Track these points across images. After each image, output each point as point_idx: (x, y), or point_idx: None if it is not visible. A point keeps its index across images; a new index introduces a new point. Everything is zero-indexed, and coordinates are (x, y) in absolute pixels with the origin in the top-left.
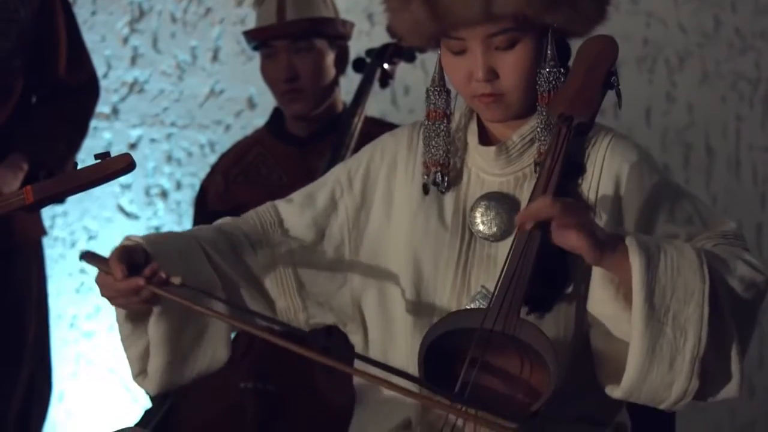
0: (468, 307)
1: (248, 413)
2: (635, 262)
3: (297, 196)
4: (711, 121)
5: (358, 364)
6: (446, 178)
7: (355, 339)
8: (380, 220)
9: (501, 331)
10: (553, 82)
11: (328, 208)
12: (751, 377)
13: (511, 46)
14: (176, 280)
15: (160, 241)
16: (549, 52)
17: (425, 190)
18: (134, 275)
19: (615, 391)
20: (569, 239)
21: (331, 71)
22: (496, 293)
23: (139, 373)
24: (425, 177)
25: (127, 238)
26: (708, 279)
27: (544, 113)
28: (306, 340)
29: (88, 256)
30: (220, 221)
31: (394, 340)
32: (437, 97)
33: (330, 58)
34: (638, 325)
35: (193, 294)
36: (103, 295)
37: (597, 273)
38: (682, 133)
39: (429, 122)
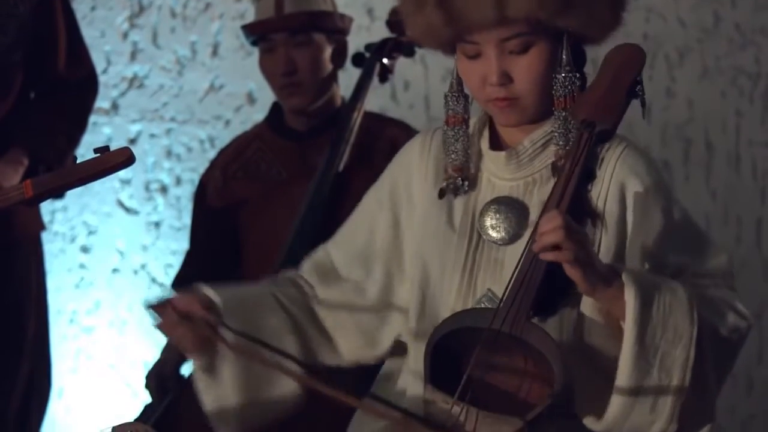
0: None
1: None
2: (630, 301)
3: (343, 235)
4: (711, 116)
5: None
6: (466, 183)
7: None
8: (408, 232)
9: (509, 332)
10: (569, 87)
11: (369, 240)
12: (749, 372)
13: (525, 50)
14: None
15: (229, 291)
16: (564, 57)
17: (441, 194)
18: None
19: (595, 425)
20: (566, 268)
21: (329, 65)
22: (506, 294)
23: (221, 424)
24: (444, 182)
25: (197, 288)
26: (696, 322)
27: (561, 118)
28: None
29: (152, 305)
30: (286, 275)
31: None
32: (455, 102)
33: (328, 52)
34: (627, 364)
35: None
36: (157, 327)
37: (586, 302)
38: (682, 128)
39: (448, 128)
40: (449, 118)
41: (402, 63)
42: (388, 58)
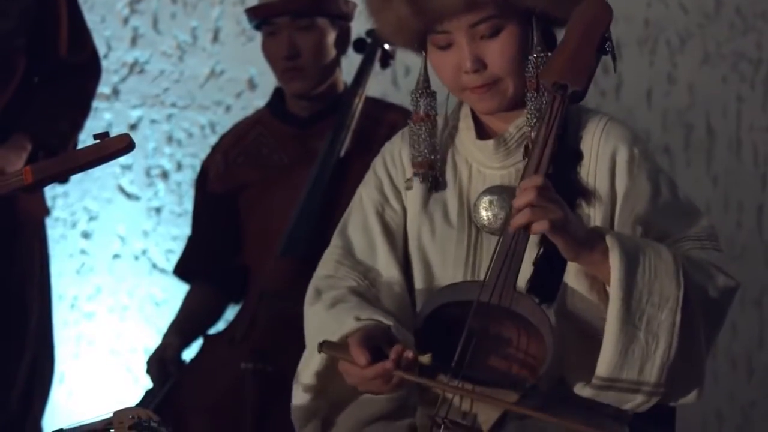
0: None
1: (248, 393)
2: (615, 265)
3: (356, 236)
4: (712, 101)
5: None
6: (430, 178)
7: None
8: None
9: (497, 304)
10: (541, 68)
11: (386, 231)
12: (750, 359)
13: (496, 34)
14: (425, 359)
15: (388, 315)
16: (535, 38)
17: (409, 186)
18: (378, 359)
19: (583, 390)
20: (548, 234)
21: (332, 50)
22: (492, 267)
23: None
24: (408, 179)
25: (357, 318)
26: (683, 286)
27: (534, 99)
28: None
29: (327, 347)
30: (346, 287)
31: None
32: (422, 99)
33: (331, 37)
34: (613, 328)
35: (436, 371)
36: (349, 383)
37: (571, 267)
38: (683, 113)
39: (413, 124)
40: (414, 115)
41: (405, 51)
42: (390, 43)
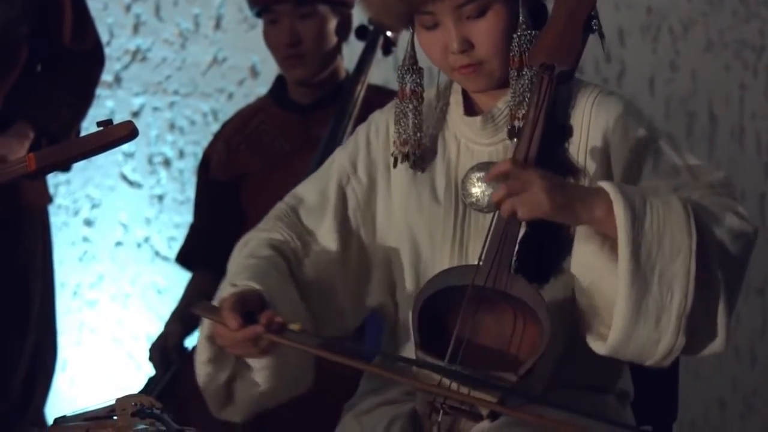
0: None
1: None
2: (620, 218)
3: (309, 195)
4: (715, 89)
5: None
6: (414, 157)
7: (389, 317)
8: (384, 201)
9: (492, 287)
10: (525, 46)
11: (340, 200)
12: (752, 346)
13: (483, 14)
14: (295, 326)
15: (267, 281)
16: (521, 17)
17: (394, 164)
18: (250, 323)
19: (601, 348)
20: (527, 215)
21: (334, 37)
22: (486, 249)
23: (219, 409)
24: (392, 155)
25: (233, 283)
26: (695, 233)
27: (515, 78)
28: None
29: (201, 309)
30: (264, 237)
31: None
32: (408, 75)
33: (332, 23)
34: (624, 283)
35: (307, 337)
36: (220, 344)
37: (580, 227)
38: (686, 101)
39: (399, 101)
40: (401, 92)
41: (405, 36)
42: (392, 30)
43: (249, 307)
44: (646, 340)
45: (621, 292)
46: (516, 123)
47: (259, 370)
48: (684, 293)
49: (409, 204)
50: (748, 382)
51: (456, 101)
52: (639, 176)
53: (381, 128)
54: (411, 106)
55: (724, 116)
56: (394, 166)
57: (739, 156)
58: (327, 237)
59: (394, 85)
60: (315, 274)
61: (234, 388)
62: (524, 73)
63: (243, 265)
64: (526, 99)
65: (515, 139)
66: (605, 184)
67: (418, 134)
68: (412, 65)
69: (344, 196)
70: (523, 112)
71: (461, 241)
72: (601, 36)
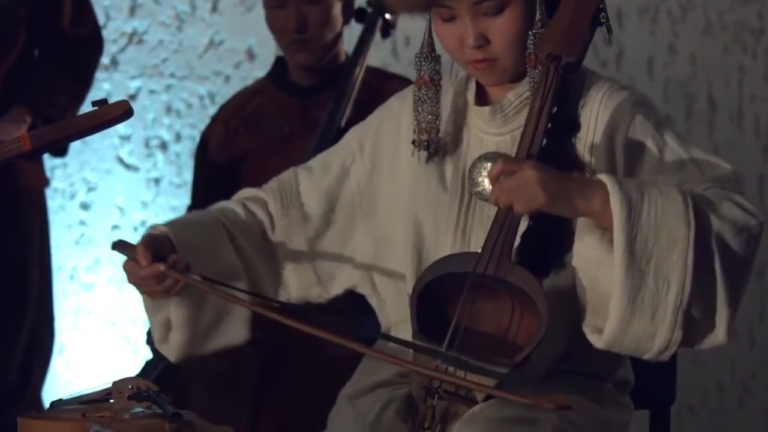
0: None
1: (250, 365)
2: (616, 210)
3: (316, 164)
4: (713, 72)
5: None
6: (433, 145)
7: (373, 302)
8: (389, 184)
9: (492, 274)
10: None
11: (340, 177)
12: (751, 329)
13: (500, 11)
14: (196, 276)
15: (185, 229)
16: (538, 14)
17: (426, 159)
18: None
19: (597, 341)
20: (523, 209)
21: (339, 22)
22: (487, 238)
23: (162, 341)
24: (413, 143)
25: (154, 227)
26: (693, 225)
27: (533, 76)
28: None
29: (119, 245)
30: (244, 194)
31: (404, 307)
32: (425, 63)
33: (337, 8)
34: (619, 276)
35: (212, 283)
36: (129, 281)
37: (581, 219)
38: (685, 84)
39: (417, 89)
40: (418, 79)
41: (404, 18)
42: (391, 12)
43: (163, 248)
44: (642, 334)
45: (616, 285)
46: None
47: (174, 312)
48: (680, 286)
49: (416, 190)
50: (747, 366)
51: (470, 89)
52: (644, 170)
53: (394, 113)
54: (429, 94)
55: (723, 99)
56: (413, 154)
57: (738, 139)
58: (312, 207)
59: (393, 68)
60: (284, 237)
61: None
62: (539, 70)
63: (188, 215)
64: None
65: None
66: (603, 176)
67: (437, 122)
68: (429, 52)
69: (346, 175)
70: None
71: (464, 229)
72: (609, 30)
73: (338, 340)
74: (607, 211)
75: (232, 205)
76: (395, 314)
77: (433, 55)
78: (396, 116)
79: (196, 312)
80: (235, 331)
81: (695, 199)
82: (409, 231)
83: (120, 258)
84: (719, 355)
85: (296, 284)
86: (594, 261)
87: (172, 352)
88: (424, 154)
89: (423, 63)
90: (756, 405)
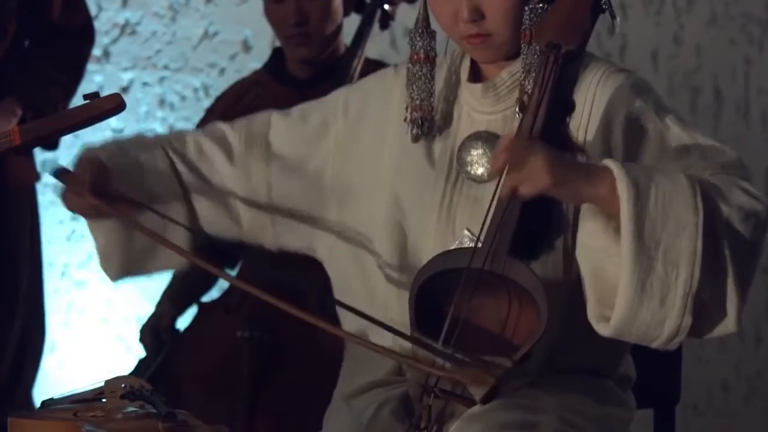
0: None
1: (244, 362)
2: (623, 195)
3: (295, 110)
4: (719, 64)
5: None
6: (427, 124)
7: (330, 269)
8: (368, 156)
9: (489, 270)
10: (536, 20)
11: (318, 131)
12: (757, 328)
13: None
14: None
15: (118, 153)
16: None
17: (415, 138)
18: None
19: (604, 330)
20: (529, 191)
21: (340, 14)
22: (484, 232)
23: (101, 262)
24: (406, 121)
25: (89, 149)
26: (702, 211)
27: (526, 52)
28: (300, 293)
29: (59, 173)
30: (210, 127)
31: (371, 287)
32: (420, 39)
33: (338, 1)
34: (627, 262)
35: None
36: (66, 208)
37: (585, 206)
38: (690, 76)
39: (411, 65)
40: (413, 55)
41: (403, 9)
42: (389, 4)
43: (99, 176)
44: (651, 320)
45: (624, 271)
46: (526, 98)
47: (104, 237)
48: (690, 271)
49: (401, 166)
50: (753, 365)
51: (464, 67)
52: (645, 155)
53: (387, 85)
54: (424, 71)
55: (729, 91)
56: (415, 140)
57: (745, 132)
58: (280, 148)
59: (391, 60)
60: (244, 172)
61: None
62: (533, 46)
63: (129, 140)
64: (532, 73)
65: (521, 113)
66: (609, 162)
67: (431, 99)
68: (425, 28)
69: (325, 132)
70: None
71: (449, 207)
72: (612, 16)
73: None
74: (614, 197)
75: (185, 132)
76: (383, 295)
77: (428, 30)
78: (388, 89)
79: (127, 237)
80: (172, 255)
81: (702, 185)
82: (391, 209)
83: None
84: (724, 353)
85: (249, 220)
86: (599, 249)
87: (111, 272)
88: (416, 132)
89: (417, 39)
90: (762, 404)
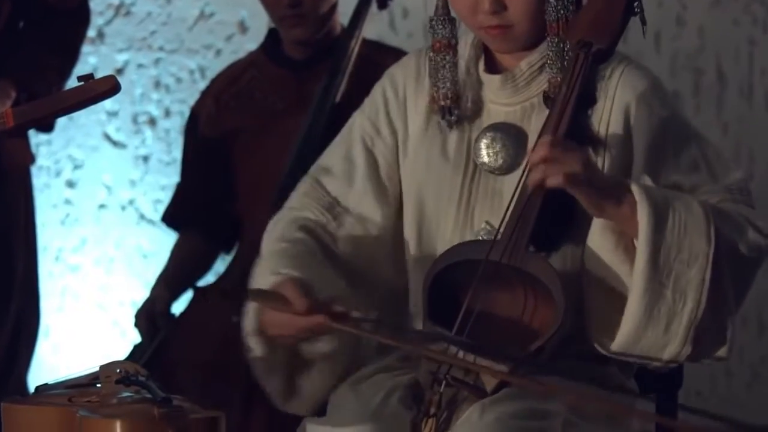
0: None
1: (240, 347)
2: (643, 219)
3: (334, 163)
4: (723, 45)
5: None
6: (456, 112)
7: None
8: (404, 158)
9: (507, 263)
10: (562, 12)
11: (370, 163)
12: (760, 314)
13: None
14: (356, 312)
15: (307, 267)
16: None
17: (450, 125)
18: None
19: (606, 349)
20: (568, 188)
21: None
22: (504, 224)
23: (289, 397)
24: (435, 112)
25: (277, 272)
26: (714, 242)
27: (554, 43)
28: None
29: (257, 295)
30: (296, 219)
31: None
32: (441, 27)
33: None
34: (639, 285)
35: (362, 322)
36: (270, 333)
37: (597, 221)
38: (693, 57)
39: (434, 54)
40: (435, 44)
41: None
42: None
43: (310, 294)
44: (653, 345)
45: (635, 295)
46: (552, 93)
47: (320, 361)
48: (696, 301)
49: (418, 161)
50: (756, 351)
51: (480, 57)
52: (658, 165)
53: (398, 83)
54: (448, 59)
55: (732, 73)
56: (443, 118)
57: (748, 114)
58: (360, 204)
59: (390, 41)
60: (353, 247)
61: (296, 382)
62: (562, 39)
63: (278, 252)
64: (558, 67)
65: (546, 107)
66: (631, 183)
67: (456, 87)
68: (446, 15)
69: (374, 160)
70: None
71: (468, 203)
72: (643, 22)
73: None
74: (634, 218)
75: (296, 231)
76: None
77: (449, 18)
78: (401, 86)
79: (340, 345)
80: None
81: (714, 215)
82: (411, 204)
83: (106, 237)
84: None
85: (381, 285)
86: (608, 267)
87: (304, 404)
88: (449, 119)
89: (438, 27)
90: (765, 391)
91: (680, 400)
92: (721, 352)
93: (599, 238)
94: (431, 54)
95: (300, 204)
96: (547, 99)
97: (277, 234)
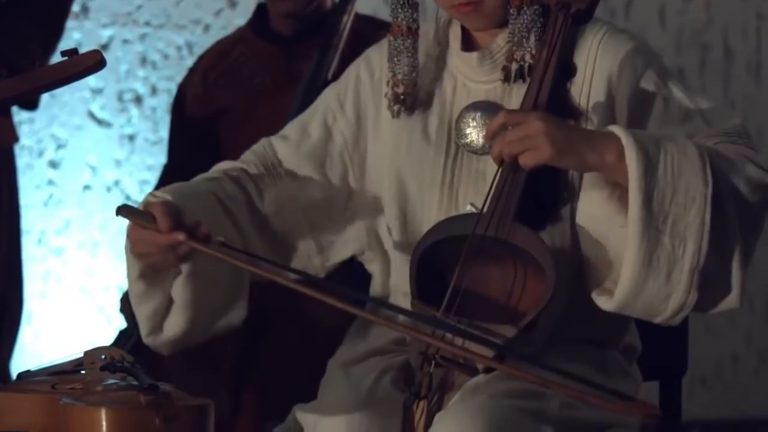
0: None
1: (231, 333)
2: (632, 164)
3: (291, 131)
4: (730, 20)
5: None
6: (409, 99)
7: (372, 268)
8: (373, 139)
9: (493, 236)
10: None
11: (323, 138)
12: (767, 299)
13: None
14: (219, 238)
15: (186, 198)
16: None
17: (396, 113)
18: (175, 230)
19: (607, 303)
20: (529, 162)
21: None
22: (489, 198)
23: (150, 333)
24: (386, 97)
25: (153, 194)
26: (711, 182)
27: (513, 18)
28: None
29: (125, 210)
30: (223, 166)
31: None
32: (402, 11)
33: None
34: (634, 234)
35: (231, 252)
36: (136, 251)
37: (588, 176)
38: (699, 33)
39: (393, 39)
40: (394, 28)
41: None
42: None
43: (178, 216)
44: (656, 296)
45: (631, 244)
46: (513, 65)
47: (180, 291)
48: (698, 245)
49: (398, 145)
50: (763, 337)
51: (455, 35)
52: (647, 121)
53: (374, 65)
54: (406, 44)
55: (739, 49)
56: (389, 108)
57: (755, 91)
58: (299, 173)
59: (383, 15)
60: (276, 208)
61: (162, 319)
62: (524, 11)
63: (180, 184)
64: (525, 39)
65: (510, 82)
66: (616, 128)
67: (413, 74)
68: None
69: (329, 135)
70: (522, 53)
71: (451, 184)
72: None
73: (354, 311)
74: (622, 165)
75: (218, 176)
76: (395, 278)
77: (410, 1)
78: (377, 68)
79: (207, 289)
80: (237, 312)
81: (711, 154)
82: (392, 189)
83: (91, 220)
84: (734, 324)
85: (296, 255)
86: (603, 219)
87: (167, 341)
88: (397, 108)
89: (399, 10)
90: None
91: (684, 386)
92: (732, 301)
93: (593, 189)
94: (390, 38)
95: (246, 158)
96: (507, 72)
97: (202, 175)
